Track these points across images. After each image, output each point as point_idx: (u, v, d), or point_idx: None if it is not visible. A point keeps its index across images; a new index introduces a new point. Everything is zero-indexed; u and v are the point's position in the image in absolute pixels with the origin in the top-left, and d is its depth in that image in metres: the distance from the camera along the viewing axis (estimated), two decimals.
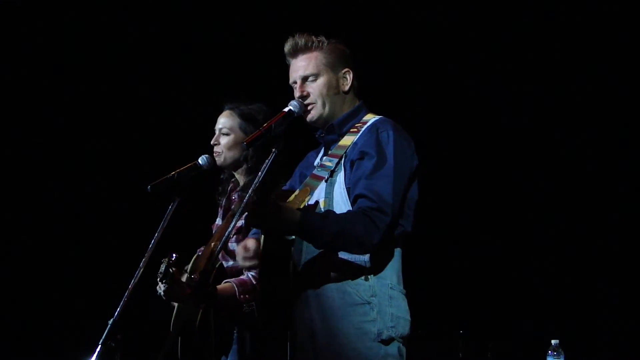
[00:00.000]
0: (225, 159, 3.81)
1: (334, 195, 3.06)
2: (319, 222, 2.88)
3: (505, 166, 5.47)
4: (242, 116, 3.79)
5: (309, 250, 3.01)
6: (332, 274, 3.01)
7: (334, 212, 2.98)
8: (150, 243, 3.44)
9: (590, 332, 5.17)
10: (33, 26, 5.70)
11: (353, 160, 3.07)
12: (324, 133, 3.23)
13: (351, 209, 3.01)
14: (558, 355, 4.21)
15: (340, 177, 3.08)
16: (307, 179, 3.19)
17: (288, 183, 3.38)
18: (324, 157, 3.19)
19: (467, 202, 5.50)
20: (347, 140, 3.15)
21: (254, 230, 3.35)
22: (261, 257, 3.03)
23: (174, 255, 3.44)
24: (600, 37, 5.29)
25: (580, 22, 5.31)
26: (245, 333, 3.59)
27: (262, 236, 3.03)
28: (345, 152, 3.12)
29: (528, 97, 5.47)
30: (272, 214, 2.80)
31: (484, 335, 5.12)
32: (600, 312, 5.20)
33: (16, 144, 5.75)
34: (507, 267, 5.42)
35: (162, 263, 3.44)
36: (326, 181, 3.09)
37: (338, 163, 3.11)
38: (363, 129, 3.16)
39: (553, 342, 4.22)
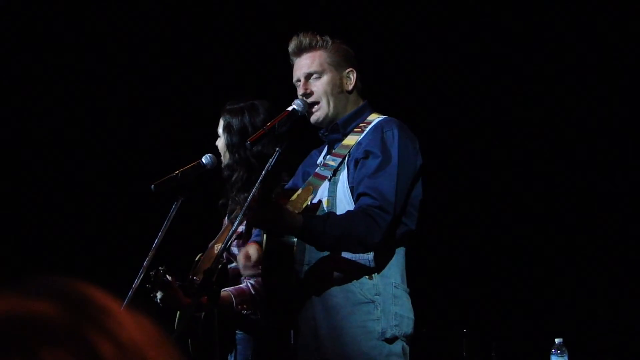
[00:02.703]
0: (222, 159, 3.80)
1: (337, 194, 3.06)
2: (321, 226, 2.87)
3: (511, 165, 5.46)
4: (224, 118, 3.77)
5: (311, 249, 3.00)
6: (335, 272, 3.01)
7: (335, 213, 2.97)
8: (153, 243, 3.44)
9: (594, 330, 5.16)
10: (37, 22, 5.68)
11: (357, 159, 3.07)
12: (328, 132, 3.22)
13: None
14: (562, 353, 4.20)
15: (343, 176, 3.08)
16: (310, 177, 3.19)
17: (291, 181, 3.37)
18: (327, 156, 3.19)
19: (471, 200, 5.49)
20: (351, 139, 3.15)
21: (256, 232, 3.33)
22: (264, 255, 3.02)
23: (161, 268, 3.42)
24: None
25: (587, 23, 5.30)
26: (248, 335, 3.58)
27: (265, 235, 3.03)
28: (349, 152, 3.12)
29: (529, 94, 5.46)
30: (273, 216, 2.78)
31: (487, 334, 5.11)
32: (604, 311, 5.19)
33: (18, 142, 5.74)
34: (511, 265, 5.41)
35: (150, 276, 3.41)
36: (329, 180, 3.09)
37: (341, 162, 3.11)
38: (367, 129, 3.16)
39: (557, 340, 4.21)
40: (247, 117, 3.69)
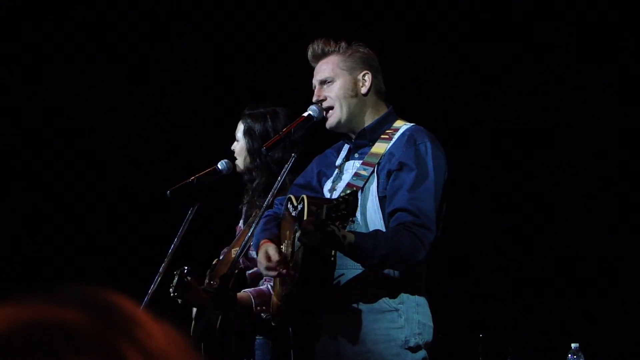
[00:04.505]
0: (238, 164, 3.81)
1: (366, 203, 3.07)
2: (370, 245, 2.88)
3: (526, 169, 5.45)
4: (246, 122, 3.78)
5: (338, 256, 3.00)
6: (360, 280, 3.01)
7: (382, 232, 2.98)
8: (169, 249, 3.45)
9: (611, 335, 5.13)
10: (52, 26, 5.71)
11: (390, 171, 3.07)
12: (354, 137, 3.23)
13: (382, 217, 3.03)
14: (578, 358, 4.18)
15: (373, 186, 3.09)
16: (346, 189, 3.18)
17: (302, 177, 3.37)
18: (357, 165, 3.17)
19: (486, 205, 5.48)
20: (380, 147, 3.15)
21: (260, 228, 3.30)
22: (299, 267, 3.01)
23: (186, 268, 3.46)
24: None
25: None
26: (267, 339, 3.58)
27: (301, 247, 3.01)
28: (379, 161, 3.12)
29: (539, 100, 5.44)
30: (327, 237, 2.79)
31: (504, 338, 5.10)
32: (621, 315, 5.17)
33: (35, 146, 5.77)
34: (526, 269, 5.39)
35: (174, 275, 3.45)
36: (362, 190, 3.09)
37: (372, 172, 3.11)
38: (396, 136, 3.16)
39: (573, 345, 4.20)
40: (269, 122, 3.71)
